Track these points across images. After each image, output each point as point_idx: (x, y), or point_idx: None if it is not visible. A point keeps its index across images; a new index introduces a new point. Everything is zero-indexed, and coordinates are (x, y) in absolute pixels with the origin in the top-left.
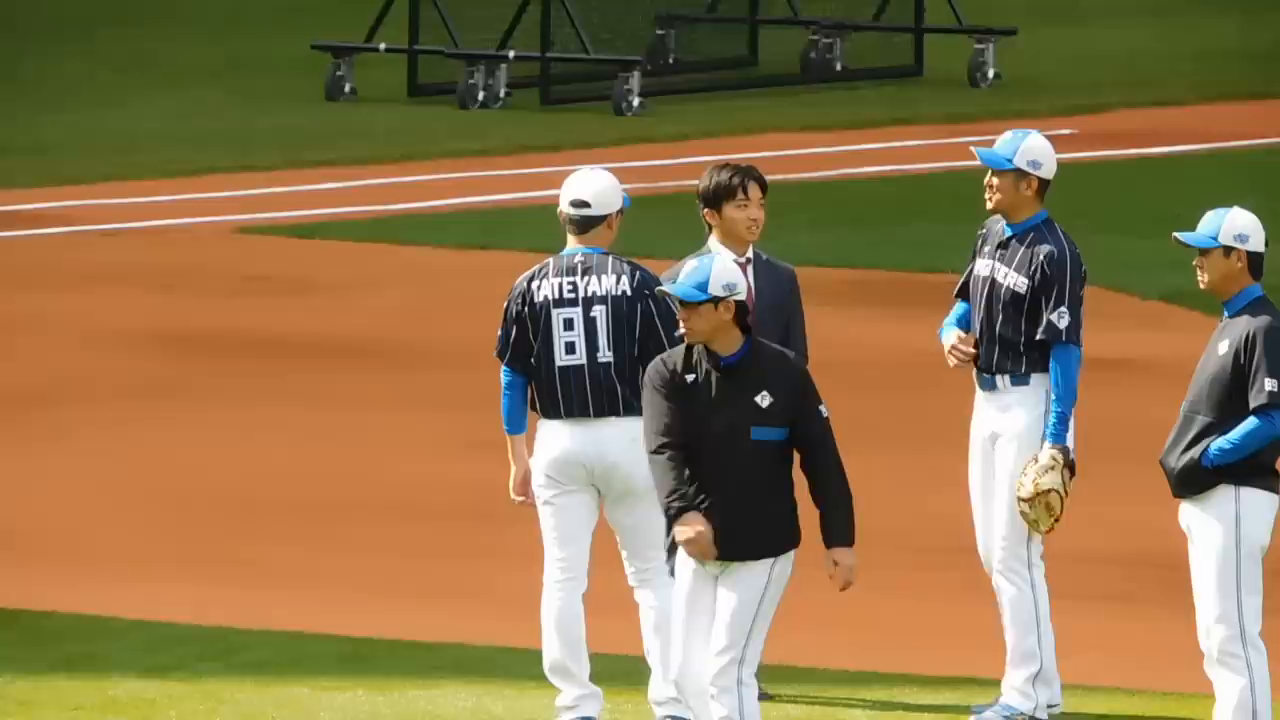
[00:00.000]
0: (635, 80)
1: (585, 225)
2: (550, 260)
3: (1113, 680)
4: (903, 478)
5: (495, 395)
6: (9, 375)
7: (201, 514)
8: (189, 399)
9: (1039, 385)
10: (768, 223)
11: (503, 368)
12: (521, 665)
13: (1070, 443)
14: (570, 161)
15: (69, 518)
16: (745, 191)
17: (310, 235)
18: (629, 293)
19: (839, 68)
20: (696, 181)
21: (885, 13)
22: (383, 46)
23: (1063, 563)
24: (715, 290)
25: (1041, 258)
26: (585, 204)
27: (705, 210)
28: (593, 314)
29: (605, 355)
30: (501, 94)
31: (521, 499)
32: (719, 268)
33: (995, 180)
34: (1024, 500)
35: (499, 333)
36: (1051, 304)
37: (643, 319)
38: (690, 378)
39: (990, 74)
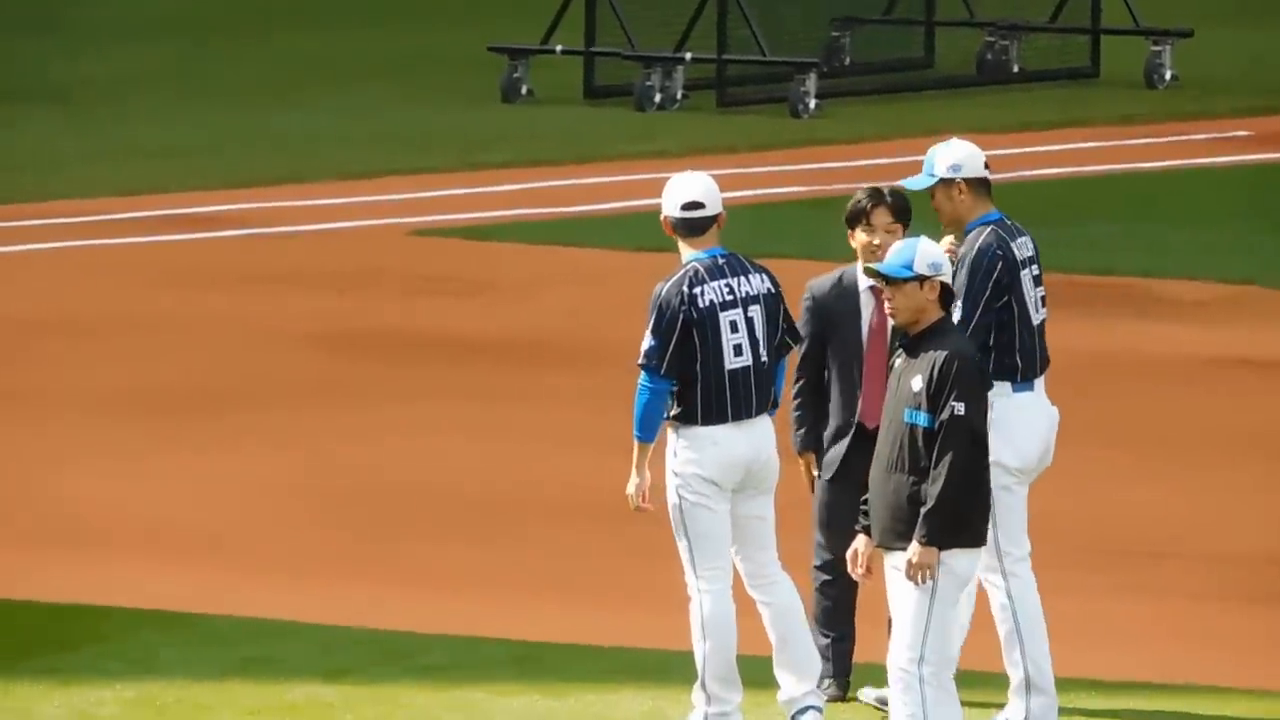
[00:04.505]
0: (811, 82)
1: (704, 226)
2: (692, 266)
3: None
4: (1075, 480)
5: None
6: (185, 377)
7: (375, 515)
8: (363, 400)
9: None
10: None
11: (649, 376)
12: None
13: None
14: (746, 164)
15: (244, 520)
16: (869, 218)
17: (485, 237)
18: (773, 290)
19: (1015, 69)
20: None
21: (1062, 14)
22: (559, 48)
23: (1229, 564)
24: (920, 269)
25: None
26: (700, 205)
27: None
28: (750, 314)
29: (764, 354)
30: (678, 96)
31: (648, 507)
32: (925, 247)
33: (936, 193)
34: None
35: (649, 344)
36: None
37: (784, 315)
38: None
39: (1167, 75)
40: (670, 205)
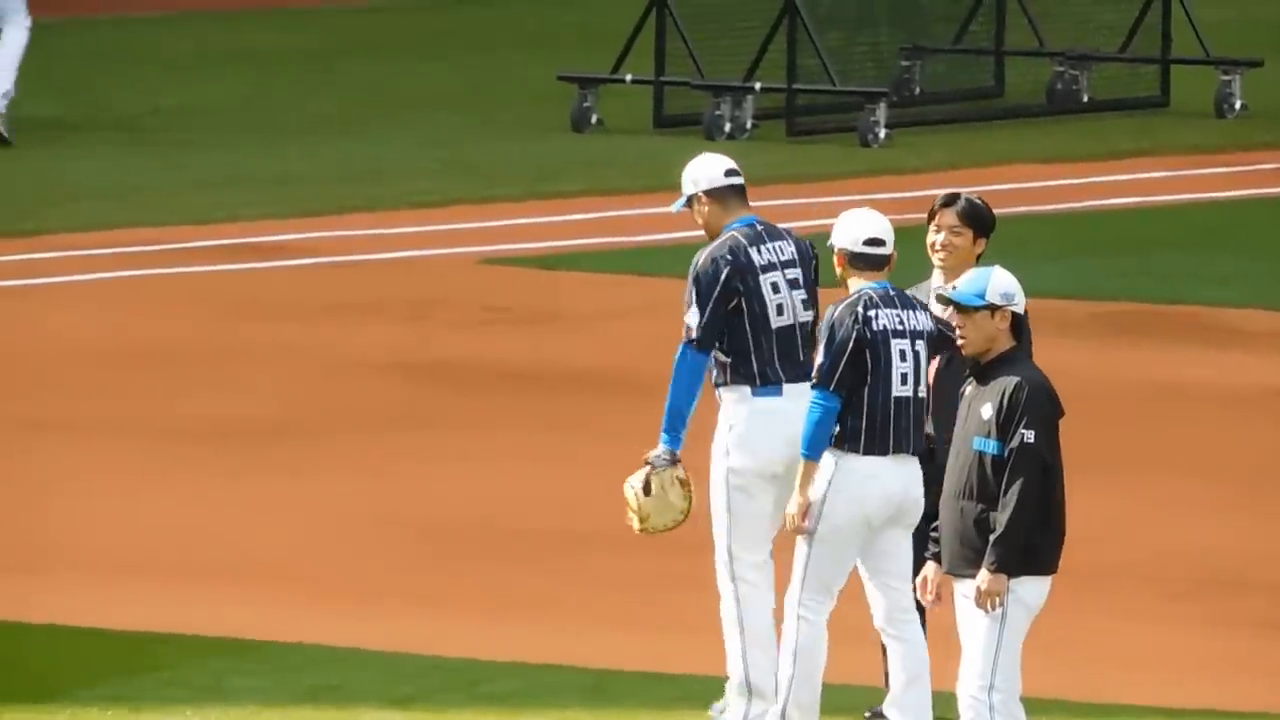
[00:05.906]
0: (881, 112)
1: (882, 263)
2: (866, 292)
3: None
4: (1144, 509)
5: None
6: (254, 406)
7: (444, 543)
8: (432, 429)
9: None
10: (1011, 252)
11: (821, 393)
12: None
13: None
14: (816, 193)
15: (312, 547)
16: (937, 217)
17: (555, 266)
18: (935, 332)
19: (1085, 99)
20: None
21: (1132, 44)
22: (629, 78)
23: None
24: (992, 298)
25: None
26: (881, 242)
27: None
28: (917, 348)
29: (923, 391)
30: (748, 125)
31: (807, 527)
32: (998, 276)
33: (691, 211)
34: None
35: (822, 360)
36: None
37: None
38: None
39: (1237, 105)
40: (849, 239)
